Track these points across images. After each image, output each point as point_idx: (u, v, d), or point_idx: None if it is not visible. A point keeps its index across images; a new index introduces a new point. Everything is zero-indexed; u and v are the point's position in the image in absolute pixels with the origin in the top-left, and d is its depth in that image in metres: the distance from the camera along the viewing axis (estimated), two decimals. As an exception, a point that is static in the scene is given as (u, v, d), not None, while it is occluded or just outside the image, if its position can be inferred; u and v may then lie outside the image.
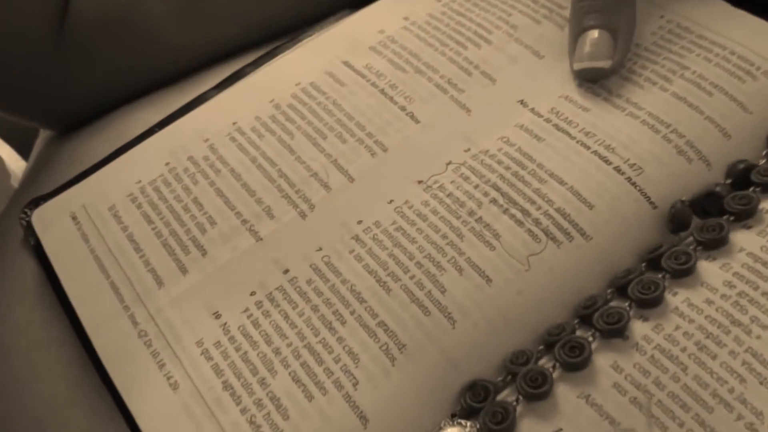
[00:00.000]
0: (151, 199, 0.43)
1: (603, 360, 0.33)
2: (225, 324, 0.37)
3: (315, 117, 0.44)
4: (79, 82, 0.51)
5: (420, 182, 0.40)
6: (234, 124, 0.45)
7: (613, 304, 0.35)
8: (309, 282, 0.37)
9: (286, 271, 0.38)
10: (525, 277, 0.36)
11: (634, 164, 0.37)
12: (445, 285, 0.36)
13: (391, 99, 0.42)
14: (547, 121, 0.41)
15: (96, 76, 0.51)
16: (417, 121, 0.41)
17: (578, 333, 0.35)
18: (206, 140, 0.45)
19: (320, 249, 0.38)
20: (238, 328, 0.37)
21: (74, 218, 0.43)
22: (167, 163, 0.44)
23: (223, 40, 0.52)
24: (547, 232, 0.37)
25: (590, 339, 0.34)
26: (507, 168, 0.39)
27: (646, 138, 0.38)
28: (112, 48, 0.50)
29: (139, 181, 0.44)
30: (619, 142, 0.38)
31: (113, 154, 0.46)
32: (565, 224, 0.37)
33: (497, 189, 0.39)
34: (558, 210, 0.37)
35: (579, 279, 0.35)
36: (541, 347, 0.35)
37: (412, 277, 0.36)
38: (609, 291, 0.36)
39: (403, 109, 0.42)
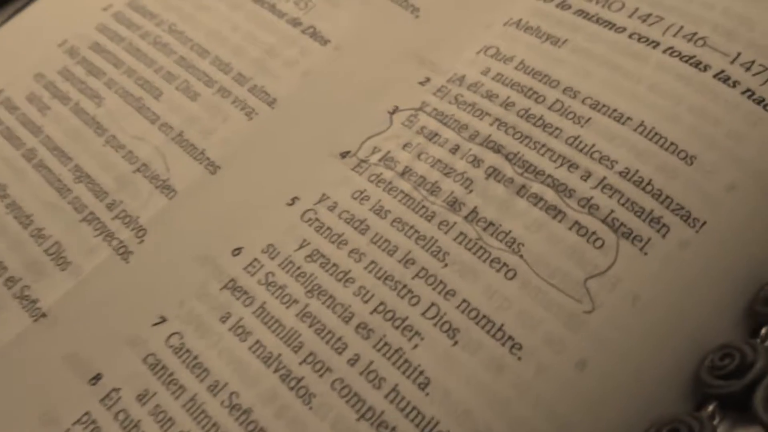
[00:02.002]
0: None
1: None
2: None
3: (138, 60, 0.25)
4: None
5: (344, 155, 0.22)
6: (-2, 93, 0.25)
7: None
8: (141, 398, 0.18)
9: (96, 380, 0.19)
10: (587, 327, 0.18)
11: (751, 63, 0.20)
12: (425, 370, 0.18)
13: (271, 7, 0.26)
14: (562, 6, 0.23)
15: None
16: (324, 42, 0.25)
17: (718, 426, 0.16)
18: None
19: (162, 320, 0.19)
20: None
21: None
22: None
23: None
24: (612, 225, 0.18)
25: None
26: (507, 105, 0.21)
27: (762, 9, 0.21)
28: None
29: None
30: (713, 25, 0.22)
31: None
32: (648, 201, 0.19)
33: (497, 149, 0.20)
34: (626, 175, 0.19)
35: (692, 311, 0.18)
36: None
37: (352, 362, 0.18)
38: (764, 332, 0.17)
39: (295, 23, 0.26)
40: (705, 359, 0.18)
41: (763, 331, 0.18)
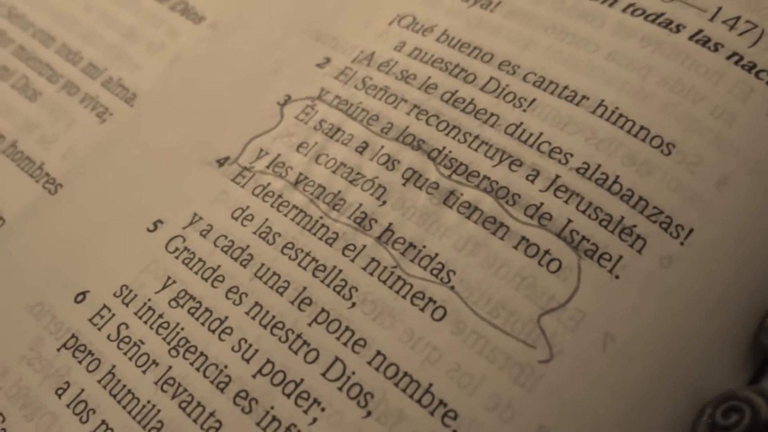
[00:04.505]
0: None
1: None
2: None
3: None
4: None
5: (222, 161, 0.18)
6: None
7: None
8: None
9: None
10: (544, 382, 0.14)
11: (735, 19, 0.17)
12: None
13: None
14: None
15: None
16: (197, 19, 0.22)
17: None
18: None
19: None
20: None
21: None
22: None
23: None
24: (571, 240, 0.15)
25: None
26: (429, 87, 0.18)
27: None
28: None
29: None
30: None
31: None
32: (616, 206, 0.15)
33: (417, 145, 0.17)
34: (585, 172, 0.16)
35: (682, 351, 0.14)
36: None
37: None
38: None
39: (163, -2, 0.20)
40: (702, 414, 0.14)
41: (779, 375, 0.14)
